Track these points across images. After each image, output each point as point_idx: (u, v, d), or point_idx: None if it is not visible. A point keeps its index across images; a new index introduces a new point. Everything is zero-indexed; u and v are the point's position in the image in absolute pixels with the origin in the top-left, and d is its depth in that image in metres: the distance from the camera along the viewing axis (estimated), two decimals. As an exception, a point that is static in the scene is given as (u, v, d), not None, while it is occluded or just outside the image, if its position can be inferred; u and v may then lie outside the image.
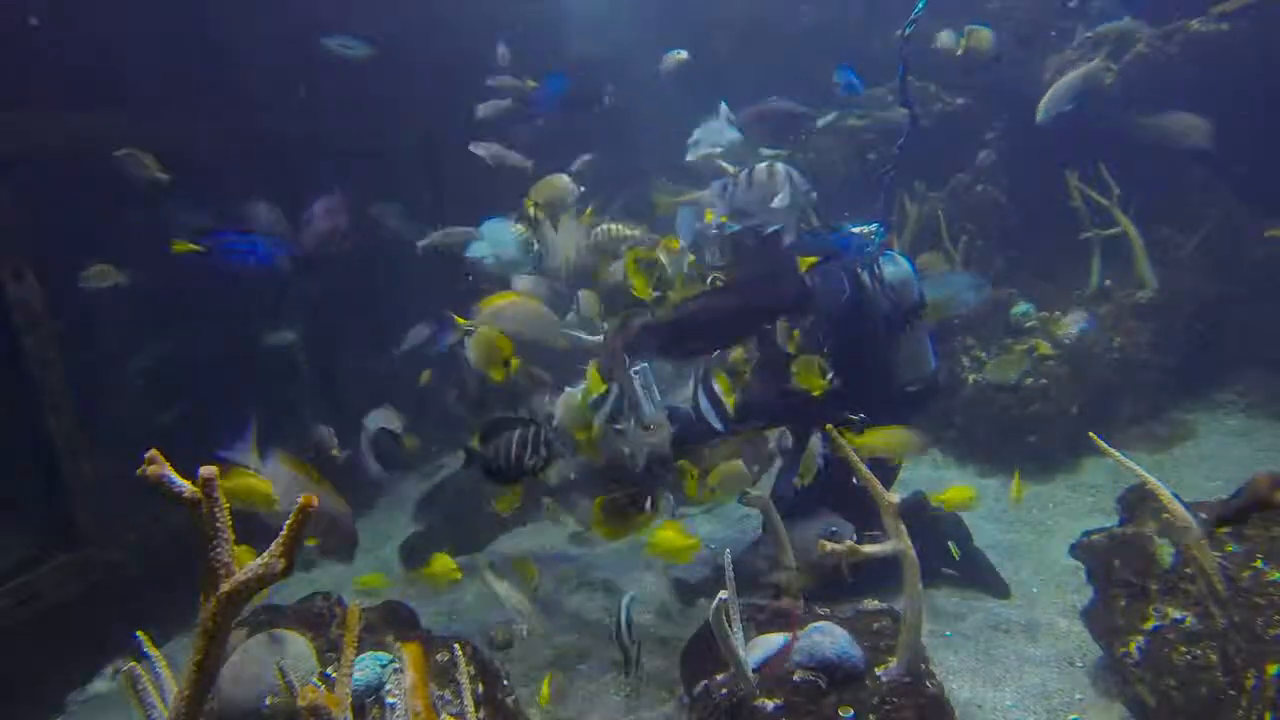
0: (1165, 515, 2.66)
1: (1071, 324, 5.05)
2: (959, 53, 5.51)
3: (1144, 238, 5.44)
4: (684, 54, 5.56)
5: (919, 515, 4.04)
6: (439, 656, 2.79)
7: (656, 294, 3.53)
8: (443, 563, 3.57)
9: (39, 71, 3.95)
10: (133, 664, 1.86)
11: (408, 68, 5.45)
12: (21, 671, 3.53)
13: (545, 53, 6.59)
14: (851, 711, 2.46)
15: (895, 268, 3.86)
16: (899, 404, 3.94)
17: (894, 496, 2.58)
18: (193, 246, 3.69)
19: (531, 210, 3.95)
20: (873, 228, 4.00)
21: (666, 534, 3.29)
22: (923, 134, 5.14)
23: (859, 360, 3.68)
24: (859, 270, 3.87)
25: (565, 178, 4.13)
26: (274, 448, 2.82)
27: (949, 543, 3.90)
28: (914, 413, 4.17)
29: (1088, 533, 3.34)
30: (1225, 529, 2.66)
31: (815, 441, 3.45)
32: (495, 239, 3.80)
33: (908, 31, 4.47)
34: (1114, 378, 5.37)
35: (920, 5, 4.47)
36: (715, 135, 4.60)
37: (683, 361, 3.38)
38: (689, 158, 4.62)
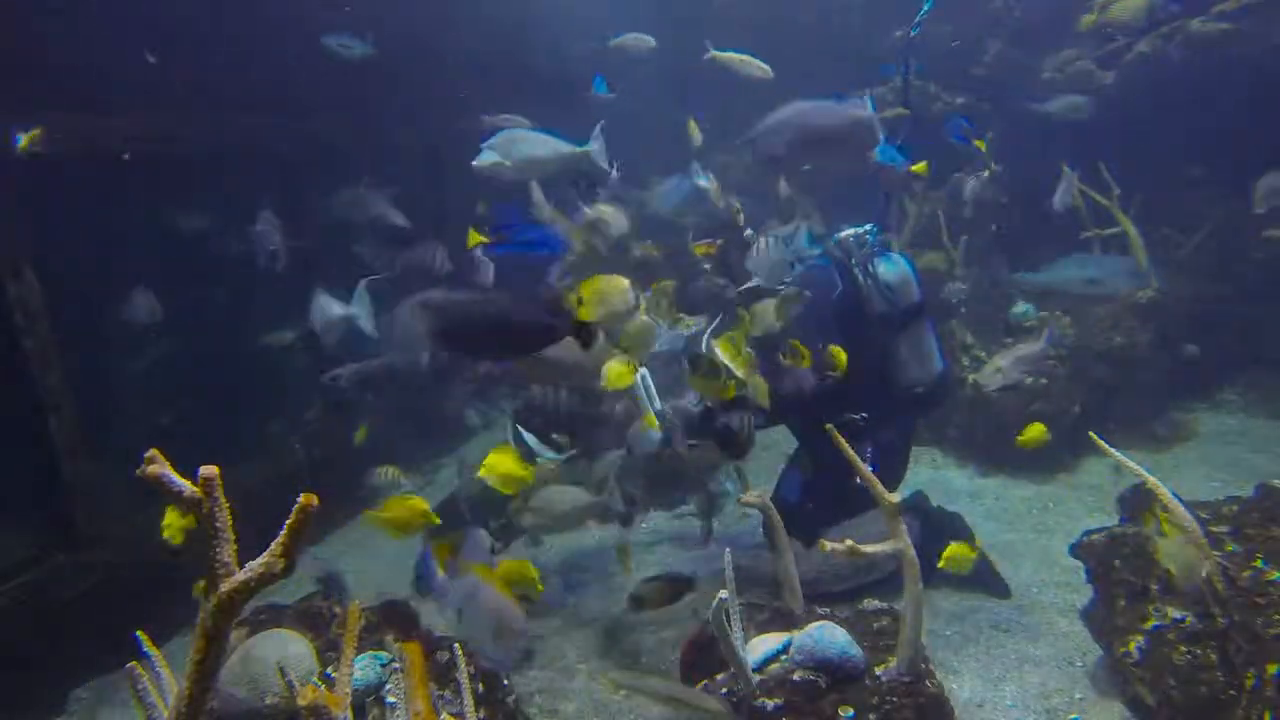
0: (1165, 515, 2.66)
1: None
2: (1090, 20, 5.24)
3: (1144, 237, 5.45)
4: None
5: (925, 516, 4.07)
6: (439, 656, 2.79)
7: None
8: (523, 569, 3.27)
9: (39, 72, 3.95)
10: (133, 664, 1.86)
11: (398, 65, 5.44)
12: (21, 671, 3.53)
13: (543, 50, 6.61)
14: (851, 711, 2.46)
15: (892, 267, 3.84)
16: (903, 405, 3.94)
17: (894, 497, 2.58)
18: (485, 238, 3.66)
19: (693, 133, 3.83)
20: (866, 228, 4.00)
21: (503, 458, 3.22)
22: (922, 134, 5.15)
23: (855, 360, 3.68)
24: (854, 270, 3.86)
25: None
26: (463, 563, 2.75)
27: (950, 542, 3.90)
28: (919, 414, 4.17)
29: (1088, 532, 3.34)
30: None
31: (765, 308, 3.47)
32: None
33: (914, 33, 4.47)
34: (1114, 378, 5.38)
35: (927, 5, 4.46)
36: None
37: (446, 352, 3.16)
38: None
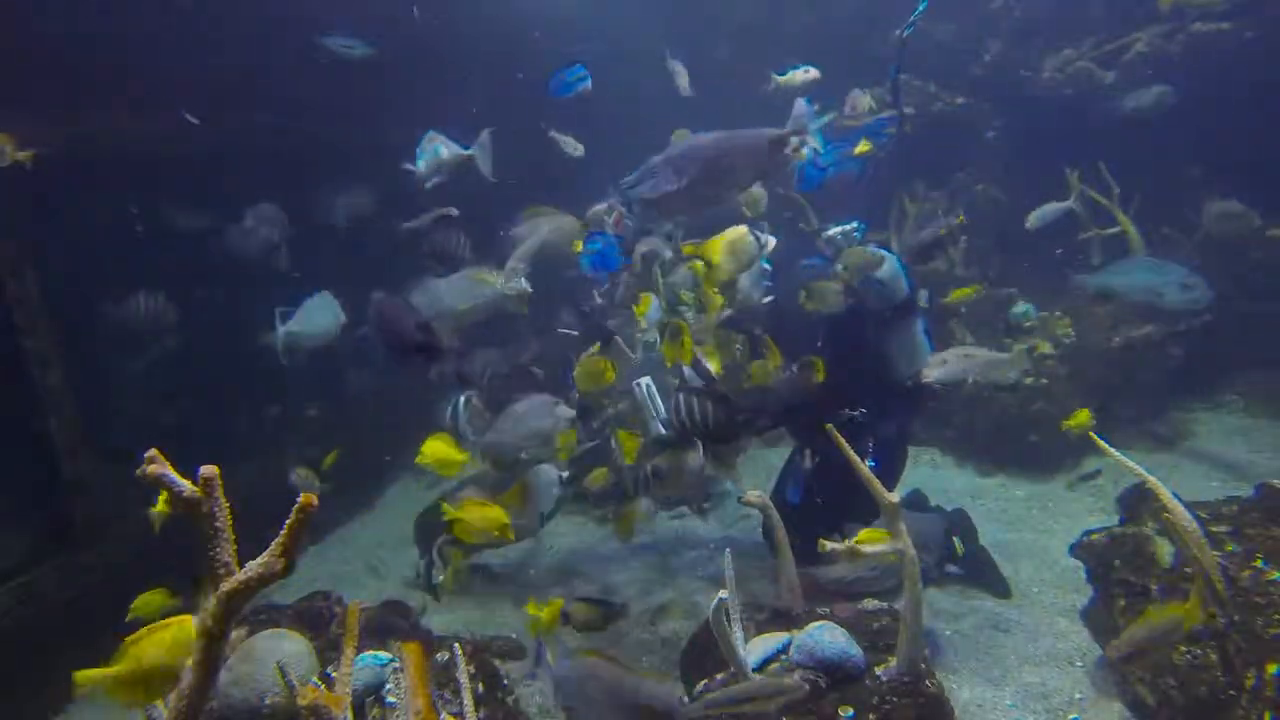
0: (1165, 515, 2.65)
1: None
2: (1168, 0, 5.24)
3: (1144, 237, 5.44)
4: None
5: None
6: (439, 656, 2.79)
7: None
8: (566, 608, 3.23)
9: (39, 72, 3.95)
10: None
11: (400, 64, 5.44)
12: (21, 671, 3.53)
13: (543, 50, 6.59)
14: (851, 711, 2.46)
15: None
16: (899, 399, 3.94)
17: (894, 496, 2.58)
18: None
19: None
20: (852, 225, 4.00)
21: (438, 445, 3.33)
22: (920, 133, 5.16)
23: (852, 357, 3.67)
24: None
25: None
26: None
27: (953, 538, 3.89)
28: (913, 408, 4.17)
29: (1088, 532, 3.35)
30: None
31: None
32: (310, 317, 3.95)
33: (907, 34, 4.46)
34: (1114, 378, 5.37)
35: (922, 6, 4.45)
36: None
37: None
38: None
